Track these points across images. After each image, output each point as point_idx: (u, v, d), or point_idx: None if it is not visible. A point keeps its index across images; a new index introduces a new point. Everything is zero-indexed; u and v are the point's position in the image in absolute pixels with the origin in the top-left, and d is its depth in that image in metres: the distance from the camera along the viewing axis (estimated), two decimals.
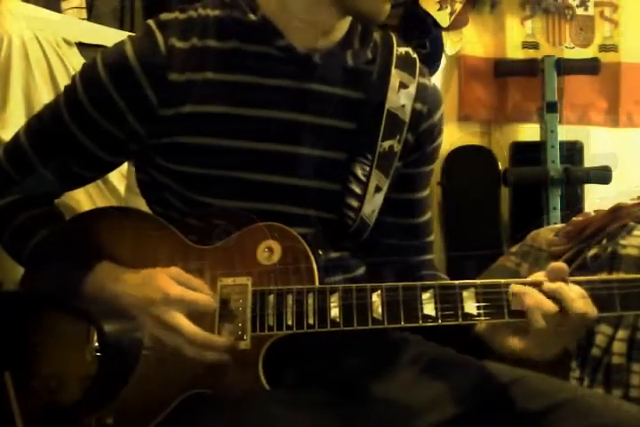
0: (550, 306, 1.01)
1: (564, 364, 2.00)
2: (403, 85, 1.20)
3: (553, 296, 1.02)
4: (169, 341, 1.06)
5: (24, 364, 1.16)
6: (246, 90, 1.14)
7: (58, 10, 2.29)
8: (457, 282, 1.07)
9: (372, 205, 1.19)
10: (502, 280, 1.06)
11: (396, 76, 1.19)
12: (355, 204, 1.17)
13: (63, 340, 1.15)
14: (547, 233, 2.38)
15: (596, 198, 3.11)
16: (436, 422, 1.09)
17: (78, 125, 1.16)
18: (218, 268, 1.13)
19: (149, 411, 1.09)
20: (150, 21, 1.15)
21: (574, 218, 2.35)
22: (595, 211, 2.33)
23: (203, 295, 1.08)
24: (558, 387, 1.12)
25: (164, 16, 1.16)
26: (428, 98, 1.23)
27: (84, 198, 1.67)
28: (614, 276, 1.06)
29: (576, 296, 1.01)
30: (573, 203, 3.14)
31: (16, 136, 1.23)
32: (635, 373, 1.89)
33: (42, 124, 1.21)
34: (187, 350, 1.06)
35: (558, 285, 1.02)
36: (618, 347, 1.91)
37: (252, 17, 1.13)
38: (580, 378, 1.98)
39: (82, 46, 1.75)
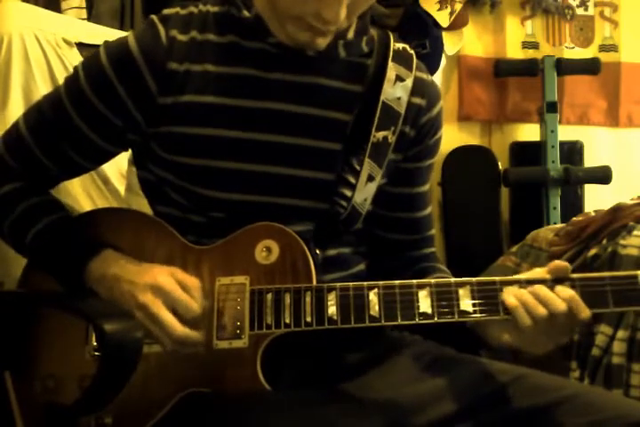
0: (539, 309, 1.03)
1: (563, 363, 2.01)
2: (399, 78, 1.21)
3: (540, 300, 1.04)
4: (151, 329, 1.07)
5: (24, 364, 1.17)
6: (244, 82, 1.15)
7: (58, 10, 2.29)
8: (453, 280, 1.08)
9: (364, 193, 1.20)
10: (497, 278, 1.07)
11: (392, 69, 1.20)
12: (347, 192, 1.17)
13: (63, 340, 1.15)
14: (547, 233, 2.38)
15: (596, 198, 3.12)
16: (437, 419, 1.10)
17: (79, 113, 1.18)
18: (216, 267, 1.13)
19: (148, 410, 1.09)
20: (153, 16, 1.19)
21: (574, 218, 2.35)
22: (595, 211, 2.34)
23: (187, 297, 1.08)
24: (560, 384, 1.13)
25: (166, 11, 1.19)
26: (426, 92, 1.24)
27: (83, 198, 1.68)
28: (607, 273, 1.06)
29: (566, 299, 1.03)
30: (573, 203, 3.14)
31: (15, 125, 1.25)
32: (635, 373, 1.89)
33: (42, 113, 1.22)
34: (165, 342, 1.07)
35: (545, 292, 1.04)
36: (618, 347, 1.91)
37: (247, 14, 1.15)
38: (580, 378, 1.98)
39: (82, 46, 1.76)
